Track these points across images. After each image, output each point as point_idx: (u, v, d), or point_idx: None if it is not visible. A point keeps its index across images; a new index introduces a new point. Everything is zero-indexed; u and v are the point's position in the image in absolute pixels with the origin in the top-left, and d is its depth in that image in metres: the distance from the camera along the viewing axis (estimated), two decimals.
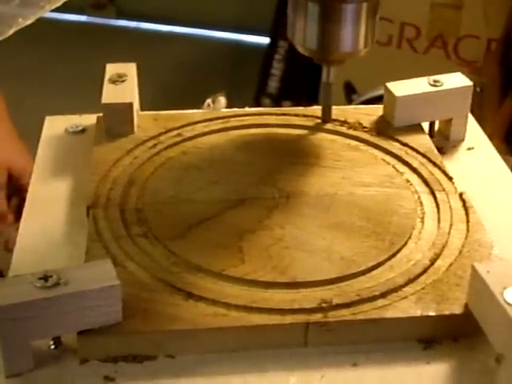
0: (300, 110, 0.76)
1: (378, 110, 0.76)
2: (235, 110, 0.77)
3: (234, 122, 0.74)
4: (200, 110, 0.76)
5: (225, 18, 2.62)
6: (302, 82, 1.87)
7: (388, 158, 0.70)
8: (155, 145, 0.70)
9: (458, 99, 0.74)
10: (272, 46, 1.98)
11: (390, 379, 0.51)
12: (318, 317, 0.52)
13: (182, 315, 0.52)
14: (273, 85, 1.94)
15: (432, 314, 0.53)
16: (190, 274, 0.56)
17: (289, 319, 0.52)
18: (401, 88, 0.73)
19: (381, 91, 0.99)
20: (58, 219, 0.64)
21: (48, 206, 0.66)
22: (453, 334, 0.54)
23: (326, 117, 0.72)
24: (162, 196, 0.64)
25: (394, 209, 0.63)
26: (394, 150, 0.70)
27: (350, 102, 1.78)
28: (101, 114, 0.75)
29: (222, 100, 0.79)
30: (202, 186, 0.65)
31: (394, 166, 0.68)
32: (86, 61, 2.30)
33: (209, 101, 0.80)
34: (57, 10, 0.56)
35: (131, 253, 0.58)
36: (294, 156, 0.69)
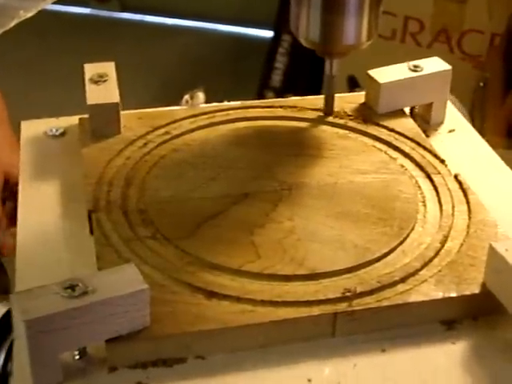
0: (284, 101, 0.76)
1: (359, 97, 0.77)
2: (218, 104, 0.76)
3: (219, 117, 0.73)
4: (182, 107, 0.75)
5: (229, 11, 2.61)
6: (305, 75, 1.86)
7: (379, 145, 0.70)
8: (145, 144, 0.69)
9: (438, 83, 0.75)
10: (276, 40, 1.96)
11: (419, 361, 0.51)
12: (343, 306, 0.53)
13: (208, 315, 0.52)
14: (276, 78, 1.93)
15: (453, 295, 0.54)
16: (206, 273, 0.55)
17: (316, 310, 0.52)
18: (383, 75, 0.74)
19: None
20: (53, 222, 0.63)
21: (41, 211, 0.64)
22: (472, 313, 0.55)
23: (329, 109, 0.73)
24: (162, 195, 0.63)
25: (395, 194, 0.64)
26: (382, 137, 0.71)
27: None
28: (82, 116, 0.73)
29: (201, 95, 0.79)
30: (201, 183, 0.64)
31: (386, 152, 0.69)
32: (90, 54, 2.51)
33: (187, 97, 0.79)
34: (61, 2, 0.55)
35: (144, 255, 0.57)
36: (286, 147, 0.69)
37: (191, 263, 0.56)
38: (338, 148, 0.69)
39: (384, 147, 0.70)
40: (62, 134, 0.74)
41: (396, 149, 0.70)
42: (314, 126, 0.73)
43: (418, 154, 0.69)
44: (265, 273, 0.55)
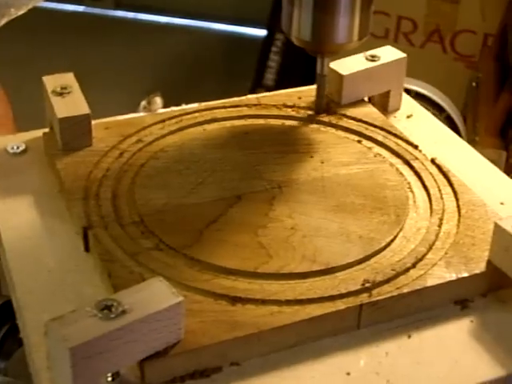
0: (247, 99, 0.76)
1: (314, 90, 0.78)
2: (178, 108, 0.75)
3: (187, 121, 0.73)
4: (148, 113, 0.74)
5: (222, 9, 2.61)
6: (298, 74, 1.84)
7: (351, 136, 0.72)
8: (121, 154, 0.67)
9: (394, 71, 0.77)
10: (269, 38, 1.97)
11: (445, 342, 0.53)
12: (365, 297, 0.53)
13: (239, 320, 0.51)
14: (269, 77, 1.93)
15: (465, 275, 0.56)
16: (223, 278, 0.55)
17: (342, 304, 0.53)
18: (344, 66, 0.75)
19: None
20: (41, 243, 0.60)
21: (24, 232, 0.62)
22: (481, 290, 0.57)
23: (320, 108, 0.73)
24: (156, 205, 0.61)
25: (381, 183, 0.65)
26: (353, 127, 0.72)
27: None
28: (44, 130, 0.71)
29: (158, 100, 0.78)
30: (190, 188, 0.63)
31: (360, 143, 0.71)
32: (84, 51, 2.35)
33: (144, 103, 0.78)
34: None
35: (154, 267, 0.55)
36: (263, 146, 0.69)
37: (204, 270, 0.55)
38: (314, 142, 0.70)
39: (357, 138, 0.71)
40: (24, 151, 0.71)
41: (369, 138, 0.71)
42: (284, 123, 0.73)
43: (391, 141, 0.70)
44: (281, 272, 0.55)
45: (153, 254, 0.57)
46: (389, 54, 0.77)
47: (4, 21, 0.55)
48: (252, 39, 2.36)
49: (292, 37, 0.66)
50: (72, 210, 0.62)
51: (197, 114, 0.74)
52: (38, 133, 0.72)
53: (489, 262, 0.57)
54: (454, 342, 0.53)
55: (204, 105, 0.75)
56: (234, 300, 0.53)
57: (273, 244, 0.58)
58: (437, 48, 1.82)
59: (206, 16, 2.63)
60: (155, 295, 0.48)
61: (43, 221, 0.63)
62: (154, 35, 2.51)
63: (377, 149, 0.70)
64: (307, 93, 0.78)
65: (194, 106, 0.76)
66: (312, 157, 0.68)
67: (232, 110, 0.74)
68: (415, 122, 0.78)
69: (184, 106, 0.77)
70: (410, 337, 0.53)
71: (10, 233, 0.62)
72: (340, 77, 0.74)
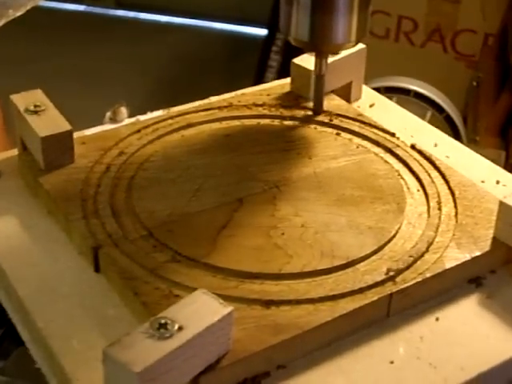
0: (217, 102, 0.76)
1: (283, 86, 0.78)
2: (151, 116, 0.74)
3: (163, 128, 0.72)
4: (122, 124, 0.72)
5: (223, 9, 2.60)
6: None
7: (329, 130, 0.73)
8: (107, 168, 0.66)
9: (356, 62, 0.79)
10: (270, 38, 1.96)
11: (473, 320, 0.55)
12: (391, 285, 0.55)
13: (280, 323, 0.51)
14: (270, 76, 1.91)
15: (478, 253, 0.58)
16: (249, 283, 0.55)
17: (373, 295, 0.54)
18: (309, 62, 0.76)
19: (374, 84, 0.98)
20: (48, 269, 0.58)
21: (25, 259, 0.59)
22: (491, 267, 0.59)
23: (318, 108, 0.73)
24: (160, 217, 0.60)
25: (372, 173, 0.66)
26: (326, 121, 0.73)
27: None
28: (13, 151, 0.69)
29: (123, 110, 0.76)
30: (189, 196, 0.63)
31: (339, 135, 0.72)
32: (84, 51, 2.31)
33: (109, 114, 0.76)
34: None
35: (178, 280, 0.54)
36: (247, 147, 0.69)
37: (229, 277, 0.55)
38: (296, 139, 0.71)
39: (335, 131, 0.72)
40: None
41: (346, 130, 0.72)
42: (259, 122, 0.73)
43: (368, 131, 0.72)
44: (305, 271, 0.56)
45: (171, 266, 0.56)
46: None
47: (2, 22, 0.54)
48: (253, 38, 2.36)
49: (290, 37, 0.66)
50: (74, 231, 0.60)
51: (171, 121, 0.73)
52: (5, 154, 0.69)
53: (494, 239, 0.59)
54: (478, 319, 0.55)
55: (175, 110, 0.75)
56: (268, 303, 0.53)
57: (289, 244, 0.58)
58: (437, 47, 1.82)
59: (206, 15, 2.65)
60: (205, 308, 0.47)
61: (40, 245, 0.61)
62: (154, 34, 2.51)
63: (356, 140, 0.71)
64: (275, 90, 0.78)
65: (176, 110, 0.75)
66: (299, 154, 0.69)
67: (205, 114, 0.74)
68: (379, 111, 0.79)
69: (150, 114, 0.76)
70: (437, 319, 0.55)
71: (10, 261, 0.59)
72: (308, 72, 0.75)
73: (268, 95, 0.77)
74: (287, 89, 0.78)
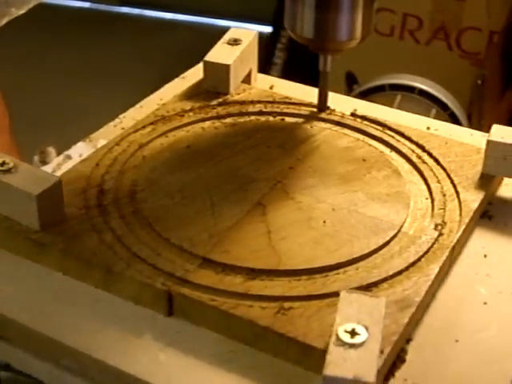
0: (147, 118, 0.72)
1: (172, 88, 0.78)
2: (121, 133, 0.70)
3: (121, 156, 0.67)
4: (77, 163, 0.67)
5: (227, 6, 2.64)
6: (303, 70, 1.54)
7: (271, 118, 0.73)
8: (104, 211, 0.60)
9: (253, 49, 0.80)
10: (274, 35, 1.95)
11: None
12: (446, 238, 0.59)
13: (396, 299, 0.53)
14: (275, 74, 1.78)
15: (483, 194, 0.64)
16: (345, 273, 0.56)
17: (442, 252, 0.58)
18: (220, 57, 0.75)
19: (379, 82, 0.90)
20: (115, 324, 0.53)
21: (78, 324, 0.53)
22: (489, 200, 0.66)
23: (322, 105, 0.72)
24: (202, 241, 0.57)
25: (344, 146, 0.69)
26: (267, 110, 0.74)
27: (350, 91, 1.62)
28: None
29: (51, 150, 0.72)
30: (210, 213, 0.60)
31: (284, 120, 0.73)
32: (89, 48, 2.34)
33: (36, 157, 0.71)
34: None
35: (278, 293, 0.53)
36: (217, 154, 0.67)
37: (323, 272, 0.55)
38: (257, 133, 0.70)
39: (278, 117, 0.73)
40: None
41: (286, 114, 0.73)
42: (203, 127, 0.72)
43: (303, 110, 0.74)
44: (354, 257, 0.57)
45: (256, 284, 0.54)
46: (240, 34, 0.79)
47: (5, 20, 0.50)
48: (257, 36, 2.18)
49: (295, 34, 0.65)
50: (126, 281, 0.55)
51: (122, 147, 0.68)
52: None
53: (483, 175, 0.66)
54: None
55: (118, 136, 0.70)
56: (368, 287, 0.54)
57: (337, 229, 0.59)
58: (442, 45, 1.80)
59: (211, 12, 2.72)
60: (363, 303, 0.48)
61: (85, 306, 0.55)
62: (158, 32, 2.56)
63: (299, 120, 0.73)
64: (189, 93, 0.77)
65: (84, 145, 0.71)
66: (269, 146, 0.69)
67: (146, 133, 0.70)
68: (281, 91, 0.81)
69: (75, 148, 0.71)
70: (485, 256, 0.61)
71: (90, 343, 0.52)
72: (225, 67, 0.75)
73: (185, 100, 0.75)
74: (181, 89, 0.77)
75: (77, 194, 0.62)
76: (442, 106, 1.41)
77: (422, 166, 0.67)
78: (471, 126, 1.45)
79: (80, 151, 0.71)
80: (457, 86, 1.48)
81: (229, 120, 0.73)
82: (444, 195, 0.64)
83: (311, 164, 0.67)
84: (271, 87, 0.82)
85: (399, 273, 0.56)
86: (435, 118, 1.31)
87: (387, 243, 0.58)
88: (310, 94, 0.80)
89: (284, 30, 1.93)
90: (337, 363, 0.44)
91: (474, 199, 0.63)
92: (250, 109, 0.74)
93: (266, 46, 2.00)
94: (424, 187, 0.65)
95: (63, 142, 0.73)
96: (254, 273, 0.55)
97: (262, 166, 0.66)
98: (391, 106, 0.81)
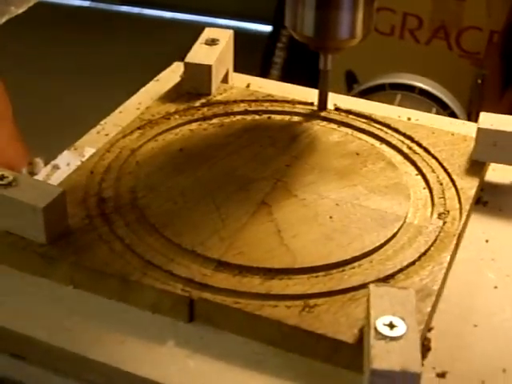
0: (133, 124, 0.71)
1: (149, 91, 0.78)
2: (109, 140, 0.69)
3: (115, 162, 0.66)
4: (71, 172, 0.65)
5: (227, 5, 2.64)
6: (303, 70, 1.45)
7: (258, 116, 0.73)
8: (105, 221, 0.59)
9: (229, 49, 0.80)
10: (274, 34, 1.94)
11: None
12: (450, 224, 0.60)
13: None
14: (275, 73, 1.88)
15: (478, 180, 0.66)
16: (361, 266, 0.56)
17: (450, 240, 0.59)
18: (200, 57, 0.75)
19: (379, 81, 0.87)
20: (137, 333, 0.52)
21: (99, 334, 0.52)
22: (481, 187, 0.68)
23: (323, 104, 0.71)
24: (215, 245, 0.57)
25: (335, 141, 0.70)
26: (251, 108, 0.74)
27: (350, 90, 1.58)
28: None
29: (39, 160, 0.70)
30: (217, 217, 0.60)
31: (270, 118, 0.73)
32: (88, 46, 2.34)
33: (25, 170, 0.69)
34: None
35: (296, 291, 0.53)
36: (210, 155, 0.67)
37: (341, 267, 0.56)
38: (247, 132, 0.70)
39: (265, 115, 0.73)
40: None
41: (272, 112, 0.74)
42: (191, 129, 0.71)
43: (287, 107, 0.74)
44: (367, 251, 0.57)
45: (275, 284, 0.54)
46: (217, 33, 0.79)
47: (4, 19, 0.49)
48: (257, 35, 2.30)
49: (295, 33, 0.65)
50: (144, 290, 0.54)
51: (116, 152, 0.67)
52: None
53: (474, 162, 0.67)
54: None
55: (107, 143, 0.68)
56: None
57: (345, 223, 0.59)
58: (442, 45, 1.78)
59: (211, 11, 2.71)
60: (394, 295, 0.48)
61: (102, 318, 0.54)
62: (158, 30, 2.56)
63: (286, 117, 0.73)
64: (170, 96, 0.76)
65: (70, 154, 0.69)
66: (261, 145, 0.69)
67: (135, 138, 0.69)
68: (257, 89, 0.81)
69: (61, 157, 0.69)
70: (487, 241, 0.62)
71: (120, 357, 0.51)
72: (207, 67, 0.74)
73: (168, 103, 0.74)
74: (158, 91, 0.77)
75: (77, 204, 0.61)
76: (442, 105, 1.40)
77: (414, 157, 0.68)
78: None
79: (67, 160, 0.69)
80: (457, 86, 1.48)
81: (215, 121, 0.72)
82: (441, 184, 0.65)
83: (307, 161, 0.67)
84: (248, 85, 0.82)
85: (413, 263, 0.56)
86: None
87: (395, 235, 0.59)
88: (287, 89, 0.80)
89: (284, 29, 1.92)
90: (382, 357, 0.44)
91: (470, 186, 0.65)
92: (235, 108, 0.74)
93: (266, 45, 2.00)
94: (419, 177, 0.66)
95: (49, 150, 0.72)
96: (271, 273, 0.55)
97: (258, 165, 0.66)
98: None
